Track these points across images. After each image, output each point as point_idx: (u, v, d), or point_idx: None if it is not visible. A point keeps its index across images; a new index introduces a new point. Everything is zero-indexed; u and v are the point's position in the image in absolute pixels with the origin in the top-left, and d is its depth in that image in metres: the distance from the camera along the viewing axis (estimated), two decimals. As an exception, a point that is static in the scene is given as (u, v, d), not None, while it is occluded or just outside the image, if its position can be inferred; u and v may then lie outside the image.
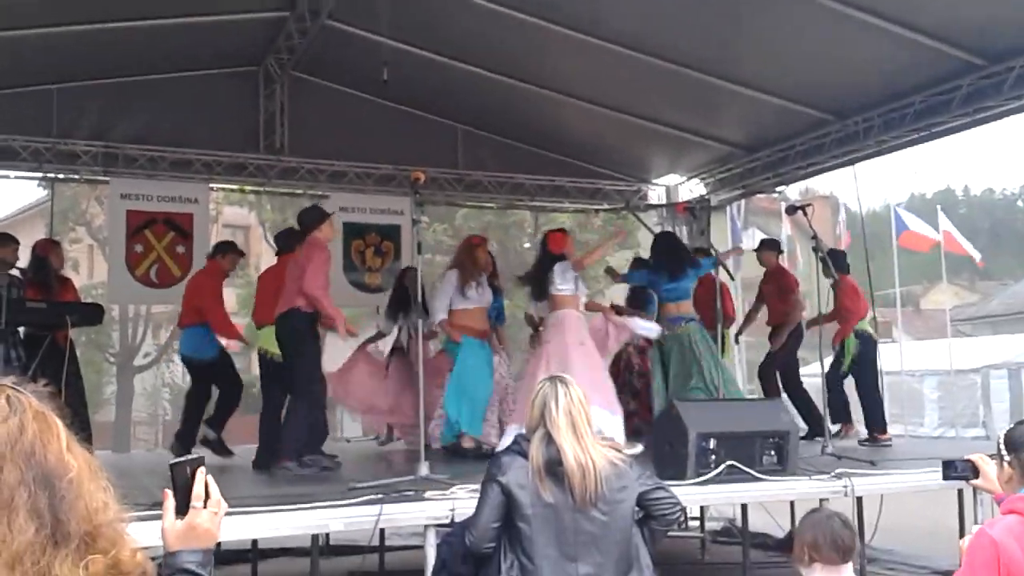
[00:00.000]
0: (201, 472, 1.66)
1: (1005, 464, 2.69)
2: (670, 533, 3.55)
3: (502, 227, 20.87)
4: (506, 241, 21.52)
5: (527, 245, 20.74)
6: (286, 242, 7.20)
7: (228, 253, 7.87)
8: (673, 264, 7.47)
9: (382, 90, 8.39)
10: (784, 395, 8.24)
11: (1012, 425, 2.82)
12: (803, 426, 7.96)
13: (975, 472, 2.94)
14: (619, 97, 9.07)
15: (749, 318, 9.38)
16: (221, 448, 7.45)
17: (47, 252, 7.35)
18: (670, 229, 10.45)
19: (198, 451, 6.63)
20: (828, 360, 8.23)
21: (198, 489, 1.64)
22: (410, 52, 8.39)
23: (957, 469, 3.00)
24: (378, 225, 10.16)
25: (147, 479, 5.39)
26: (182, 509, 1.63)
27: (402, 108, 9.73)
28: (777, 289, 8.50)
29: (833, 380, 7.95)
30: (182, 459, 1.68)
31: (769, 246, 8.85)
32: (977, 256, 20.13)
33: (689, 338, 7.25)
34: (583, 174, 10.79)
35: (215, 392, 7.81)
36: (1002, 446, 2.71)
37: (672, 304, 7.46)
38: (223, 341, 7.73)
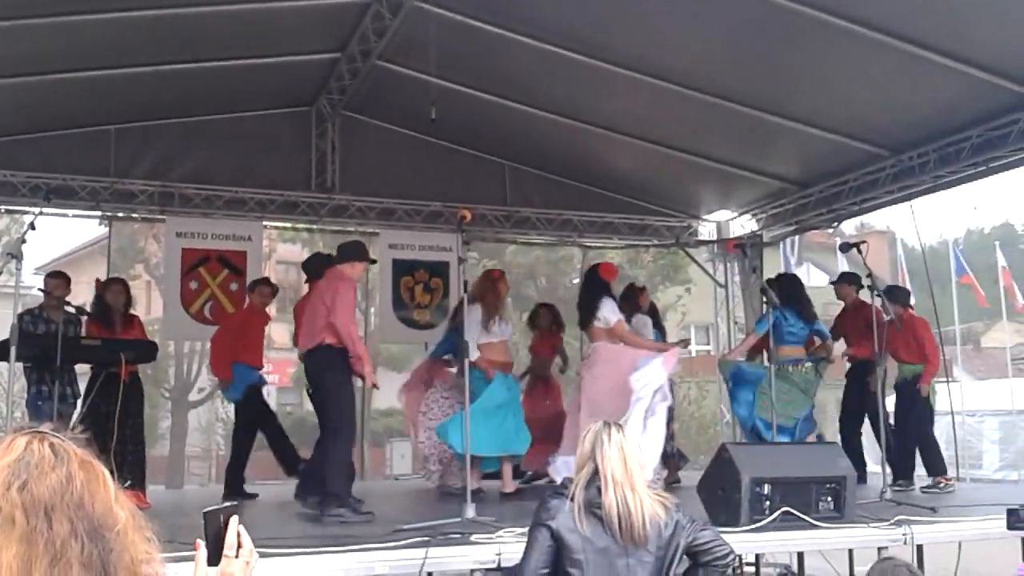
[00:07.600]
0: (234, 520, 1.63)
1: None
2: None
3: (551, 262, 20.89)
4: (555, 276, 21.52)
5: (576, 280, 20.72)
6: (315, 269, 6.91)
7: (257, 286, 7.97)
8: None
9: (430, 128, 8.47)
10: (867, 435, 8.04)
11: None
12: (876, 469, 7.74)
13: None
14: (669, 133, 9.04)
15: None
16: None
17: (103, 290, 7.40)
18: (786, 272, 10.22)
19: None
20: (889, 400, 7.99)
21: (230, 538, 1.61)
22: (458, 90, 8.45)
23: (1022, 518, 2.88)
24: (427, 262, 10.22)
25: (199, 517, 5.37)
26: (214, 559, 1.60)
27: (450, 146, 9.81)
28: (864, 324, 7.84)
29: (924, 429, 7.73)
30: (215, 507, 1.66)
31: (848, 279, 8.39)
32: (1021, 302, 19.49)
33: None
34: (632, 210, 10.75)
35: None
36: None
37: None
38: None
